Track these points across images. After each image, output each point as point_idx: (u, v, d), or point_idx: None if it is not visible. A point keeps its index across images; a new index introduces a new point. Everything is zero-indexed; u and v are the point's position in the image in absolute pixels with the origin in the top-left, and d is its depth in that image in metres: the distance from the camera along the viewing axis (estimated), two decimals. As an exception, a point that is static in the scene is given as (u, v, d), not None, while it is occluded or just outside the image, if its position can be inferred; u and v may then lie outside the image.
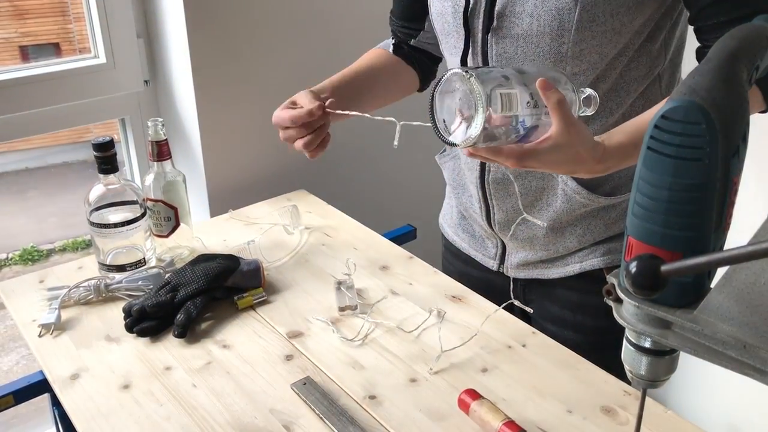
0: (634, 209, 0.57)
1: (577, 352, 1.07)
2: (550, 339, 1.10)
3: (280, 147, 1.66)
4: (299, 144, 1.08)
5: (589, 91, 0.91)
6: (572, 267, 1.12)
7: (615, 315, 0.61)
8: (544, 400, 0.98)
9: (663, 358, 0.60)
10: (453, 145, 0.84)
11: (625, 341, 0.63)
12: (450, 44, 1.06)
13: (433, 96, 0.85)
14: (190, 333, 1.11)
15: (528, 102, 0.83)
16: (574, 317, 1.15)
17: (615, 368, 1.20)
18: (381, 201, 1.81)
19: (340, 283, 1.21)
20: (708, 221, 0.54)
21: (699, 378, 1.85)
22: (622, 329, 1.17)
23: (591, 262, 1.10)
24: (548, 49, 0.95)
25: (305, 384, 1.01)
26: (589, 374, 1.03)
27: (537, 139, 0.85)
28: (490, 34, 0.99)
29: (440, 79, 0.84)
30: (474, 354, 1.07)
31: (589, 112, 0.91)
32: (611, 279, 0.62)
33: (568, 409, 0.96)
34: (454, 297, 1.20)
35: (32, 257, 5.37)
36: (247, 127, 1.58)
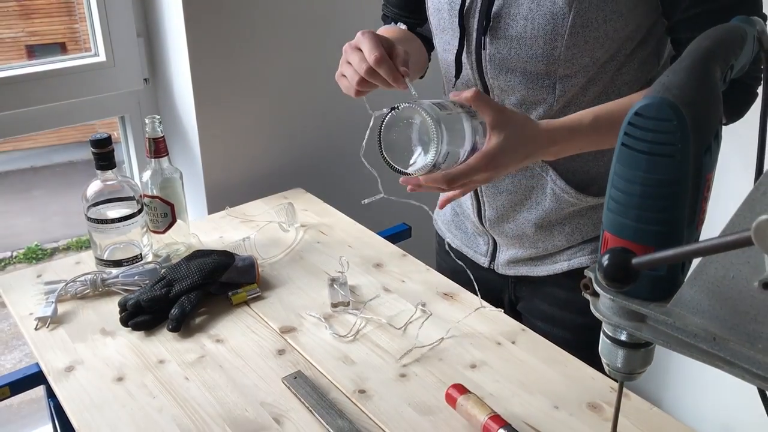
0: (609, 204, 0.58)
1: (566, 350, 1.08)
2: (539, 336, 1.11)
3: (278, 145, 1.69)
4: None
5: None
6: (560, 265, 1.13)
7: (592, 308, 0.63)
8: (531, 395, 0.99)
9: (638, 351, 0.62)
10: (405, 173, 0.87)
11: (602, 335, 0.64)
12: (444, 41, 1.07)
13: (380, 138, 0.88)
14: (184, 327, 1.13)
15: (460, 113, 0.87)
16: (563, 314, 1.16)
17: (600, 366, 1.22)
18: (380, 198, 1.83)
19: (333, 280, 1.22)
20: (680, 216, 0.55)
21: (692, 377, 1.86)
22: (610, 327, 1.17)
23: (579, 260, 1.11)
24: (541, 52, 0.97)
25: (296, 378, 1.02)
26: (577, 371, 1.04)
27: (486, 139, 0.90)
28: (485, 35, 1.00)
29: (382, 124, 0.88)
30: (463, 350, 1.08)
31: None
32: (589, 273, 0.63)
33: (554, 404, 0.98)
34: (445, 294, 1.21)
35: (36, 256, 5.40)
36: (245, 126, 1.59)
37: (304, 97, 1.66)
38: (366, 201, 0.99)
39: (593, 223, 1.10)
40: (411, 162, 0.87)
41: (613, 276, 0.52)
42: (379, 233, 1.43)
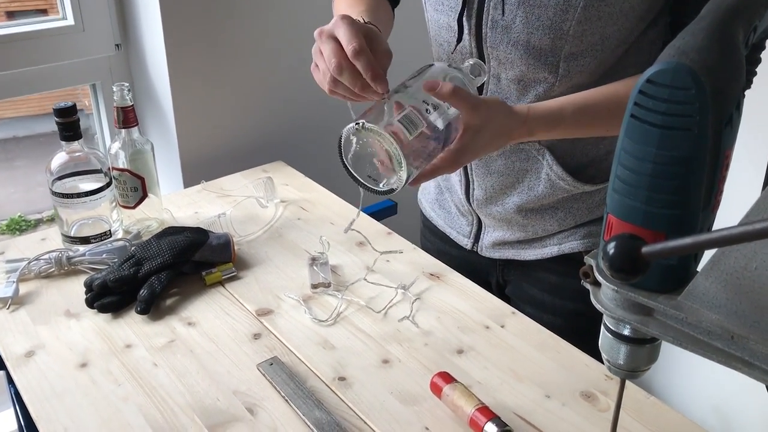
0: (615, 184, 0.51)
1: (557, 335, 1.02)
2: (531, 320, 1.05)
3: (258, 116, 1.61)
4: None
5: (469, 61, 0.91)
6: (550, 249, 1.07)
7: (592, 299, 0.56)
8: (522, 383, 0.93)
9: (643, 347, 0.56)
10: (391, 191, 0.83)
11: (602, 328, 0.58)
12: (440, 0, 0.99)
13: (344, 162, 0.84)
14: (153, 309, 1.06)
15: (426, 109, 0.82)
16: (553, 300, 1.10)
17: (596, 352, 1.16)
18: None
19: (314, 259, 1.16)
20: (695, 199, 0.49)
21: (684, 361, 1.81)
22: (601, 314, 1.12)
23: (570, 244, 1.05)
24: (549, 24, 0.89)
25: (272, 364, 0.96)
26: (570, 358, 0.98)
27: (457, 132, 0.84)
28: None
29: (340, 145, 0.83)
30: (450, 334, 1.02)
31: (483, 78, 0.92)
32: (589, 260, 0.57)
33: (546, 393, 0.92)
34: (432, 275, 1.15)
35: (20, 227, 5.30)
36: (222, 94, 1.51)
37: (286, 66, 1.57)
38: (347, 229, 0.95)
39: (587, 208, 1.03)
40: (380, 178, 0.84)
41: (621, 266, 0.45)
42: (363, 210, 1.36)
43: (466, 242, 1.15)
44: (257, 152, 1.57)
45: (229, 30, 1.47)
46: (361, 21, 0.87)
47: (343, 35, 0.80)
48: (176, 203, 1.36)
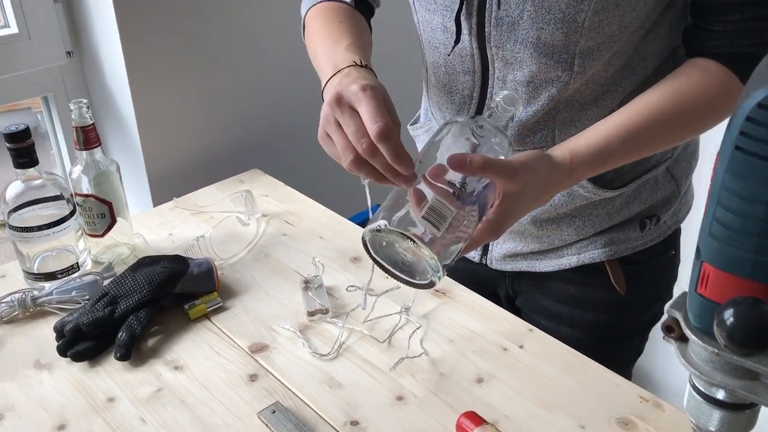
0: (713, 228, 0.42)
1: (575, 350, 0.94)
2: (549, 337, 0.97)
3: (228, 122, 1.49)
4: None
5: (501, 95, 0.76)
6: (568, 260, 0.98)
7: (679, 359, 0.48)
8: (552, 414, 0.85)
9: (742, 413, 0.47)
10: (432, 284, 0.74)
11: (689, 387, 0.49)
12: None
13: (375, 258, 0.75)
14: (134, 354, 0.95)
15: (455, 191, 0.71)
16: (571, 312, 1.02)
17: (615, 363, 1.09)
18: (346, 178, 1.64)
19: (307, 282, 1.06)
20: (817, 244, 0.40)
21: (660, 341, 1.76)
22: (623, 323, 1.04)
23: (590, 254, 0.97)
24: (562, 16, 0.79)
25: (274, 412, 0.86)
26: (598, 377, 0.90)
27: (494, 195, 0.74)
28: None
29: (365, 244, 0.74)
30: (466, 360, 0.93)
31: (519, 110, 0.77)
32: (673, 312, 0.48)
33: (580, 424, 0.84)
34: (437, 291, 1.06)
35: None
36: (188, 101, 1.39)
37: (255, 68, 1.45)
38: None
39: (607, 214, 0.95)
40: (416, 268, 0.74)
41: (745, 341, 0.37)
42: (351, 219, 1.26)
43: (473, 255, 1.06)
44: (230, 161, 1.46)
45: (192, 31, 1.35)
46: (359, 64, 0.78)
47: (367, 112, 0.69)
48: (147, 225, 1.24)
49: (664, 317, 0.48)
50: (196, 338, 0.99)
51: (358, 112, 0.70)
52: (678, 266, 1.03)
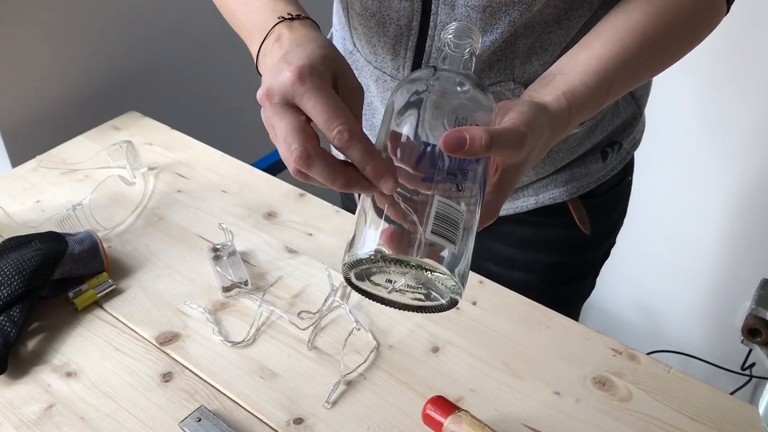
0: None
1: (528, 294, 0.84)
2: (503, 288, 0.86)
3: (94, 56, 1.25)
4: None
5: (450, 29, 0.57)
6: (525, 201, 0.86)
7: (763, 360, 0.37)
8: (522, 381, 0.75)
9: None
10: (455, 303, 0.54)
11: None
12: None
13: (373, 296, 0.55)
14: (12, 363, 0.77)
15: (458, 184, 0.52)
16: (525, 255, 0.91)
17: (572, 304, 1.00)
18: (244, 116, 1.45)
19: (217, 251, 0.89)
20: None
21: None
22: (579, 261, 0.95)
23: (550, 194, 0.85)
24: None
25: (200, 420, 0.71)
26: (564, 332, 0.81)
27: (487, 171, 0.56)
28: None
29: (351, 281, 0.53)
30: (415, 327, 0.81)
31: (478, 41, 0.58)
32: (758, 311, 0.37)
33: (554, 390, 0.74)
34: (369, 245, 0.92)
35: None
36: (38, 38, 1.14)
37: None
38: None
39: (569, 148, 0.82)
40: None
41: None
42: (256, 165, 1.09)
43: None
44: (100, 104, 1.23)
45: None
46: (292, 16, 0.59)
47: (314, 111, 0.51)
48: (8, 192, 1.02)
49: (745, 315, 0.37)
50: (88, 333, 0.81)
51: (296, 109, 0.52)
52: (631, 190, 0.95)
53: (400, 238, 0.49)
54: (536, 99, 0.59)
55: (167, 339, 0.80)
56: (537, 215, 0.87)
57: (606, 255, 0.98)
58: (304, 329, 0.80)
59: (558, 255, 0.91)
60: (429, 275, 0.50)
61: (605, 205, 0.89)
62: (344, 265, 0.51)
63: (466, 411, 0.67)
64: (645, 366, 0.77)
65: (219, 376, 0.76)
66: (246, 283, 0.85)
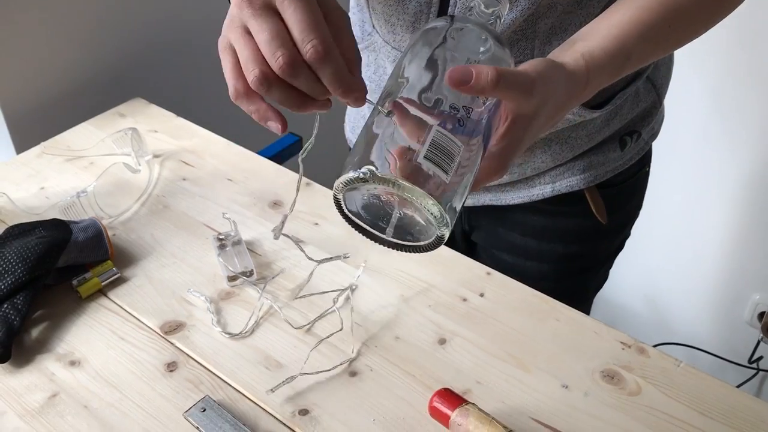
0: None
1: (541, 284, 0.83)
2: (511, 280, 0.85)
3: (98, 41, 1.24)
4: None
5: None
6: (541, 189, 0.85)
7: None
8: (529, 374, 0.74)
9: None
10: (440, 240, 0.53)
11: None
12: None
13: (353, 219, 0.56)
14: (16, 351, 0.76)
15: (460, 119, 0.52)
16: (539, 245, 0.90)
17: (585, 295, 0.99)
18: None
19: (222, 240, 0.89)
20: None
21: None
22: (594, 251, 0.94)
23: (567, 182, 0.84)
24: None
25: (204, 410, 0.70)
26: (573, 325, 0.80)
27: (499, 119, 0.55)
28: None
29: (340, 204, 0.54)
30: (423, 318, 0.80)
31: (505, 9, 0.58)
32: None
33: (562, 383, 0.74)
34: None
35: None
36: (46, 20, 1.13)
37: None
38: (277, 234, 0.66)
39: (587, 135, 0.81)
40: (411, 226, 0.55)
41: None
42: (262, 153, 1.08)
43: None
44: (105, 90, 1.22)
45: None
46: None
47: (293, 18, 0.49)
48: (12, 179, 1.02)
49: (755, 309, 0.36)
50: (92, 322, 0.81)
51: (278, 14, 0.50)
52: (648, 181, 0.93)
53: (393, 161, 0.49)
54: (554, 59, 0.58)
55: (172, 328, 0.80)
56: (553, 204, 0.86)
57: (620, 247, 0.96)
58: (306, 325, 0.80)
59: (573, 245, 0.90)
60: (415, 200, 0.49)
61: (622, 196, 0.88)
62: (337, 183, 0.51)
63: (474, 404, 0.66)
64: (654, 360, 0.76)
65: (224, 366, 0.75)
66: (251, 273, 0.85)
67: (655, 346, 0.78)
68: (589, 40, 0.60)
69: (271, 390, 0.71)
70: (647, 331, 1.75)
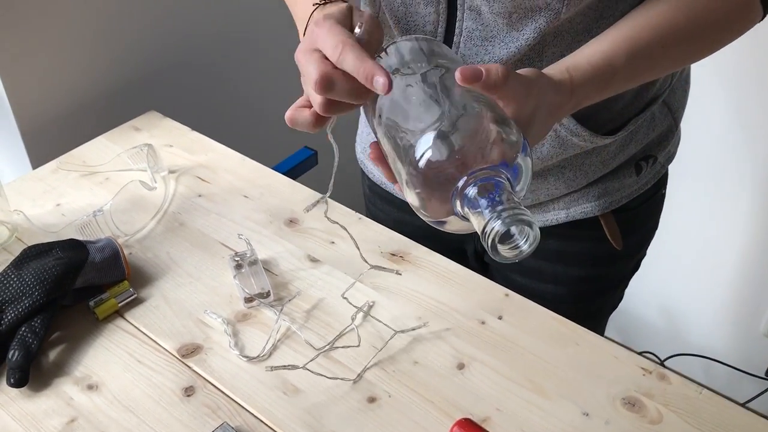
0: None
1: (556, 306, 0.83)
2: (530, 302, 0.84)
3: (110, 56, 1.24)
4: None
5: None
6: (555, 215, 0.84)
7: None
8: (550, 401, 0.74)
9: None
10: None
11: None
12: None
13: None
14: (33, 375, 0.76)
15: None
16: (554, 268, 0.89)
17: (599, 316, 0.98)
18: (264, 116, 1.44)
19: (238, 260, 0.88)
20: None
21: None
22: (609, 274, 0.93)
23: (581, 208, 0.83)
24: None
25: (223, 437, 0.70)
26: (594, 350, 0.79)
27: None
28: None
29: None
30: (440, 340, 0.80)
31: None
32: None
33: (583, 411, 0.73)
34: (393, 255, 0.90)
35: None
36: (61, 34, 1.13)
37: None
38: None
39: (602, 162, 0.80)
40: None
41: None
42: (277, 168, 1.08)
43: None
44: (119, 103, 1.22)
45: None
46: (323, 1, 0.63)
47: (324, 44, 0.57)
48: (28, 194, 1.02)
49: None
50: (109, 344, 0.80)
51: (321, 53, 0.57)
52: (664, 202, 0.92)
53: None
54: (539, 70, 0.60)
55: (189, 351, 0.79)
56: (567, 228, 0.85)
57: (636, 267, 0.96)
58: (321, 348, 0.79)
59: (588, 269, 0.89)
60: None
61: (638, 219, 0.87)
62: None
63: (494, 435, 0.66)
64: (675, 387, 0.75)
65: (241, 391, 0.75)
66: (268, 294, 0.84)
67: (671, 357, 0.77)
68: (577, 56, 0.63)
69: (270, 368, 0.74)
70: (663, 342, 1.73)
